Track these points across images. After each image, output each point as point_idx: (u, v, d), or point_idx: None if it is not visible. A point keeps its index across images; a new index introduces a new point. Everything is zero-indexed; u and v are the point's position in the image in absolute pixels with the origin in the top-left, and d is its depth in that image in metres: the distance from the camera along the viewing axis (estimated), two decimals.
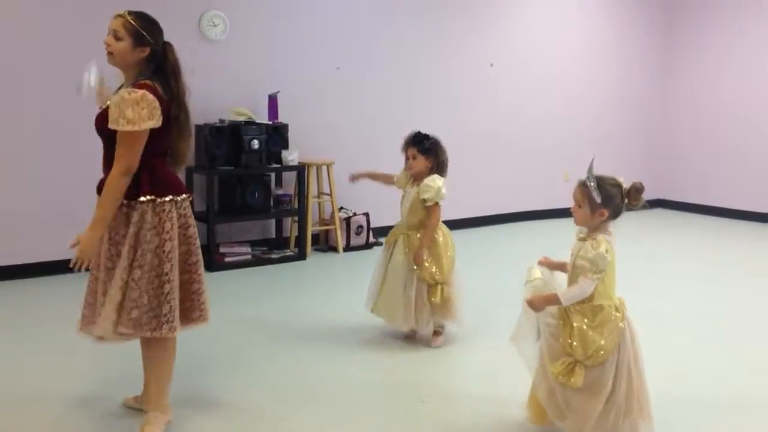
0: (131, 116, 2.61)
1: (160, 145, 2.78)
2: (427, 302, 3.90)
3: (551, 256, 3.00)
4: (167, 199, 2.76)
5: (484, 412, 3.19)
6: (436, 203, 3.89)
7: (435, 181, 3.88)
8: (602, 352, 2.68)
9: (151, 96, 2.67)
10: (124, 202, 2.71)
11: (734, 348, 4.09)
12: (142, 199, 2.71)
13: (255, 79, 6.13)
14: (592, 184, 2.70)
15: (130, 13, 2.73)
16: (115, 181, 2.66)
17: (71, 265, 2.67)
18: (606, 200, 2.70)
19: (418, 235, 3.93)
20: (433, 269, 3.90)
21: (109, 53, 2.72)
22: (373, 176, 4.29)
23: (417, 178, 3.97)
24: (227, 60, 5.98)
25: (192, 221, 2.89)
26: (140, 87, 2.68)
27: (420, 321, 3.93)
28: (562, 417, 2.75)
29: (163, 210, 2.74)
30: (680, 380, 3.52)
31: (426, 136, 3.95)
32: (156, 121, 2.68)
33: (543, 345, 2.80)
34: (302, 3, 6.34)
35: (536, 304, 2.76)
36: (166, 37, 2.83)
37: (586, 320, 2.70)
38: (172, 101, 2.77)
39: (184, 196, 2.84)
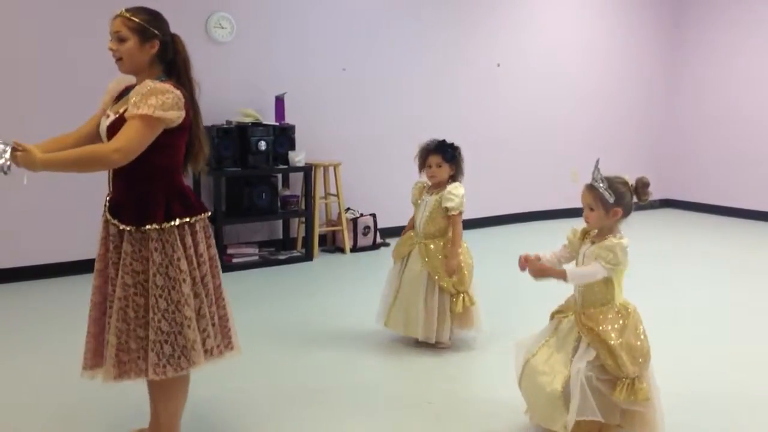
0: (154, 102, 2.35)
1: (181, 153, 2.54)
2: (448, 312, 3.85)
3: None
4: (201, 217, 2.59)
5: (494, 414, 3.17)
6: (460, 212, 3.81)
7: (458, 189, 3.81)
8: (646, 353, 2.67)
9: (177, 91, 2.43)
10: (155, 226, 2.45)
11: (746, 347, 4.08)
12: (177, 222, 2.48)
13: (262, 81, 6.15)
14: (602, 185, 2.67)
15: (127, 10, 2.47)
16: (104, 155, 2.33)
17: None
18: (618, 199, 2.67)
19: (441, 244, 3.83)
20: (455, 278, 3.83)
21: (119, 59, 2.46)
22: (410, 227, 4.03)
23: (436, 186, 3.88)
24: (234, 61, 6.00)
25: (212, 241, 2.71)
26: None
27: (441, 331, 3.86)
28: (633, 424, 2.74)
29: (195, 231, 2.56)
30: (691, 380, 3.51)
31: (450, 144, 3.85)
32: (180, 113, 2.42)
33: (586, 397, 2.62)
34: (309, 4, 6.35)
35: (536, 271, 2.66)
36: None
37: (617, 326, 2.65)
38: (190, 101, 2.52)
39: (209, 213, 2.66)
